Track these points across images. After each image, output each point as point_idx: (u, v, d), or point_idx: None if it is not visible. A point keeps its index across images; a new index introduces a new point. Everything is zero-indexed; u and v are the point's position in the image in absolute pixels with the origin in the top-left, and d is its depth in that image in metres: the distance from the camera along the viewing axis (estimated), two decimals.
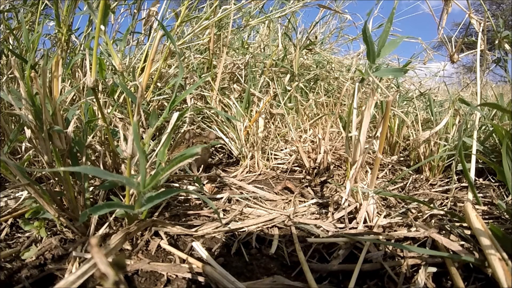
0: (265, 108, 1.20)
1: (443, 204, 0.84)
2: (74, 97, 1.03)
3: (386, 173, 1.14)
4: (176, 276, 0.52)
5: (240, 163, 1.18)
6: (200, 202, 0.81)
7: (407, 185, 0.99)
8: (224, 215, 0.76)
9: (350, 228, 0.67)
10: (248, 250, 0.60)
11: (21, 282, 0.49)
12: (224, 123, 1.23)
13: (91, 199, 0.69)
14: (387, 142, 1.29)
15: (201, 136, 1.07)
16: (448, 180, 1.02)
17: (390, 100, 0.65)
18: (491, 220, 0.69)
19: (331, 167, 1.10)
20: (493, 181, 0.97)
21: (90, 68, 0.56)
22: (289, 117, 1.36)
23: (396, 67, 1.48)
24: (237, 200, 0.84)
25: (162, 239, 0.61)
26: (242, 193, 0.89)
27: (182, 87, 1.34)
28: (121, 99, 1.04)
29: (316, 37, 1.90)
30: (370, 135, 1.04)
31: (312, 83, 1.79)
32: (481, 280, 0.50)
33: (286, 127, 1.37)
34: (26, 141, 0.61)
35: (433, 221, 0.67)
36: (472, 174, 0.69)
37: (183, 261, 0.55)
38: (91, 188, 0.70)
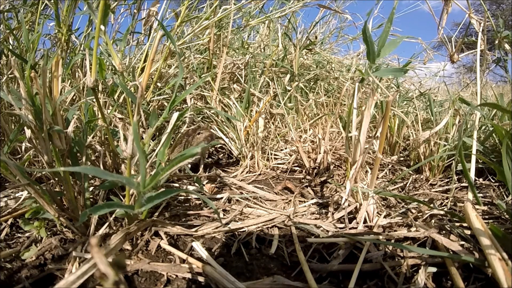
0: (265, 108, 1.20)
1: (443, 204, 0.84)
2: (74, 97, 1.03)
3: (386, 173, 1.14)
4: (176, 276, 0.52)
5: (240, 163, 1.18)
6: (200, 202, 0.81)
7: (407, 185, 0.99)
8: (224, 215, 0.75)
9: (350, 228, 0.67)
10: (248, 250, 0.60)
11: (21, 282, 0.49)
12: (224, 123, 1.23)
13: (91, 199, 0.69)
14: (387, 142, 1.29)
15: (199, 129, 1.05)
16: (448, 180, 1.02)
17: (390, 100, 0.65)
18: (491, 220, 0.69)
19: (331, 167, 1.09)
20: (493, 181, 0.97)
21: (90, 68, 0.56)
22: (289, 117, 1.36)
23: (396, 67, 1.48)
24: (237, 200, 0.84)
25: (162, 239, 0.61)
26: (242, 193, 0.89)
27: (182, 87, 1.34)
28: (121, 99, 1.04)
29: (316, 37, 1.90)
30: (370, 135, 1.04)
31: (312, 83, 1.79)
32: (481, 280, 0.50)
33: (286, 127, 1.37)
34: (26, 141, 0.61)
35: (433, 221, 0.67)
36: (472, 174, 0.70)
37: (183, 261, 0.55)
38: (91, 188, 0.70)
